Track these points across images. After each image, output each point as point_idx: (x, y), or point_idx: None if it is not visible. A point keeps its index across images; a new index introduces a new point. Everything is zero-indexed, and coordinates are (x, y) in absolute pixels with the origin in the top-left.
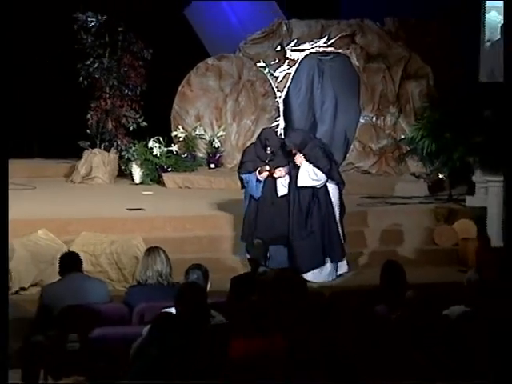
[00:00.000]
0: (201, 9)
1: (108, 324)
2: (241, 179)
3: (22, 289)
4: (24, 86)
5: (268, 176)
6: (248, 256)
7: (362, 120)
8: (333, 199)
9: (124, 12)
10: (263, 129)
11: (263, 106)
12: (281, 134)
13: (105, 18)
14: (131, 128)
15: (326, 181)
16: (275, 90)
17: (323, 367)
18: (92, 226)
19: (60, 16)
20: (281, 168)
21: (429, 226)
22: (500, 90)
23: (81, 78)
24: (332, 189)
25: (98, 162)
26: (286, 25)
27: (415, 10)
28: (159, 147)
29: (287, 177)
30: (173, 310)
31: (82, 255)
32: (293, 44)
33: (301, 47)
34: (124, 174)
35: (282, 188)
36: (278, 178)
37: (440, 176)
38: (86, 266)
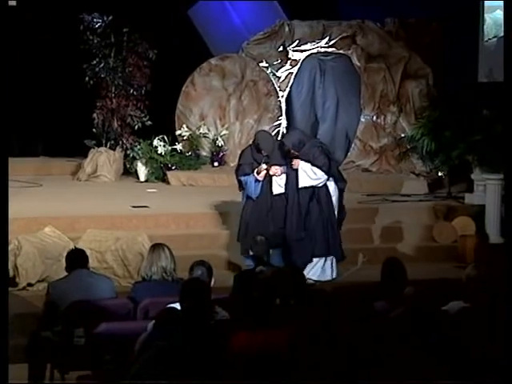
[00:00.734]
0: (204, 10)
1: (113, 319)
2: (239, 181)
3: (29, 285)
4: (31, 86)
5: (265, 174)
6: (244, 257)
7: (362, 119)
8: (333, 198)
9: (129, 13)
10: (257, 132)
11: (266, 105)
12: (283, 133)
13: (110, 18)
14: (136, 127)
15: (327, 179)
16: (278, 89)
17: (323, 361)
18: (98, 224)
19: (66, 17)
20: (277, 167)
21: (428, 223)
22: (499, 90)
23: (87, 78)
24: (332, 189)
25: (103, 160)
26: (288, 26)
27: (415, 10)
28: (164, 146)
29: (283, 176)
30: (177, 306)
31: (88, 252)
32: (295, 44)
33: (303, 48)
34: (129, 172)
35: (278, 187)
36: (273, 175)
37: (439, 174)
38: (92, 263)
